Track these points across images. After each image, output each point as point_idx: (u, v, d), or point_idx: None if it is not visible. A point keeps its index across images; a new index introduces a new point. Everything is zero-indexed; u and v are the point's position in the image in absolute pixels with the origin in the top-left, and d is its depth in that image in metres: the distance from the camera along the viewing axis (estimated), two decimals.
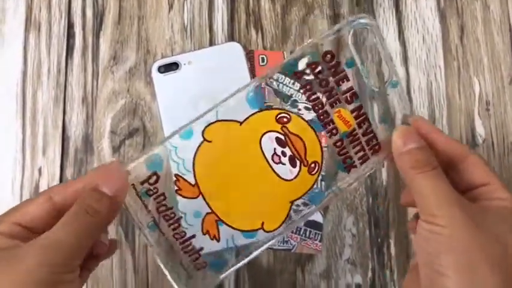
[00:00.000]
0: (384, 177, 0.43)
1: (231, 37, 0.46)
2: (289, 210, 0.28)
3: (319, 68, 0.28)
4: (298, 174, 0.28)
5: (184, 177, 0.26)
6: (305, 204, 0.28)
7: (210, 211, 0.28)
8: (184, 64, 0.44)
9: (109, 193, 0.26)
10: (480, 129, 0.44)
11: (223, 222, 0.28)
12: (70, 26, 0.46)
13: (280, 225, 0.28)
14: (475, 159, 0.28)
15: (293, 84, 0.45)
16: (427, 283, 0.25)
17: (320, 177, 0.30)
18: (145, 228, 0.27)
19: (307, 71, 0.27)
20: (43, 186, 0.44)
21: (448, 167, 0.28)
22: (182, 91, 0.43)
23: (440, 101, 0.45)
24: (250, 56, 0.45)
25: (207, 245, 0.28)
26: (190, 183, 0.26)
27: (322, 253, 0.42)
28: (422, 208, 0.26)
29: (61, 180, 0.44)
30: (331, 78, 0.27)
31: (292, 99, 0.45)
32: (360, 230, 0.43)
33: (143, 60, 0.45)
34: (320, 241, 0.42)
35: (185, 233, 0.28)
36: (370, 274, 0.42)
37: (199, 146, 0.26)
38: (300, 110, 0.44)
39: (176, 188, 0.26)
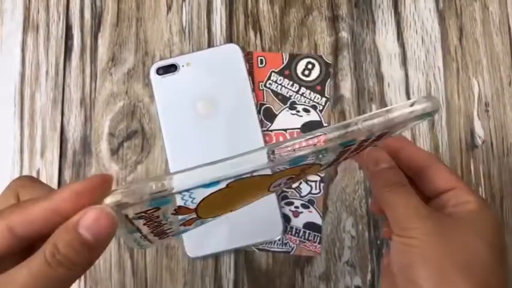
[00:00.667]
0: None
1: (229, 39, 0.45)
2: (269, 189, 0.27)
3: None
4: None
5: (188, 206, 0.23)
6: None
7: (196, 217, 0.26)
8: (183, 66, 0.44)
9: (91, 241, 0.21)
10: (479, 131, 0.44)
11: (202, 220, 0.27)
12: (68, 27, 0.46)
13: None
14: (440, 166, 0.29)
15: (292, 85, 0.45)
16: None
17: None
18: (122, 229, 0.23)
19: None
20: None
21: (416, 175, 0.30)
22: (181, 93, 0.43)
23: (439, 102, 0.44)
24: (248, 58, 0.45)
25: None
26: (190, 209, 0.24)
27: (321, 255, 0.42)
28: (394, 222, 0.27)
29: (59, 182, 0.44)
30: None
31: (290, 100, 0.45)
32: (359, 231, 0.42)
33: (141, 62, 0.45)
34: (319, 243, 0.42)
35: (165, 233, 0.27)
36: (369, 276, 0.42)
37: (218, 190, 0.22)
38: (298, 111, 0.45)
39: (173, 212, 0.23)
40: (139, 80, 0.45)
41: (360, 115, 0.42)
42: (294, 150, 0.21)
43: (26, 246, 0.22)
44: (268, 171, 0.22)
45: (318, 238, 0.42)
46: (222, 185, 0.21)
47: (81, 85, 0.45)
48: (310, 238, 0.42)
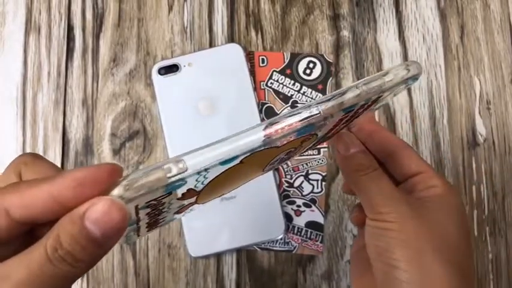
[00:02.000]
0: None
1: (231, 38, 0.45)
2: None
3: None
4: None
5: (196, 189, 0.22)
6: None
7: (193, 202, 0.24)
8: (185, 66, 0.44)
9: (99, 237, 0.18)
10: (481, 129, 0.44)
11: (196, 206, 0.26)
12: (70, 28, 0.46)
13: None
14: (410, 151, 0.30)
15: (293, 85, 0.45)
16: (382, 277, 0.26)
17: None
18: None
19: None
20: None
21: (386, 158, 0.30)
22: (182, 93, 0.43)
23: (440, 100, 0.44)
24: (250, 57, 0.45)
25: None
26: (196, 191, 0.22)
27: (323, 254, 0.42)
28: (369, 207, 0.27)
29: None
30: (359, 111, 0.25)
31: (292, 100, 0.45)
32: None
33: (143, 62, 0.45)
34: (321, 242, 0.42)
35: (157, 223, 0.24)
36: None
37: (231, 167, 0.21)
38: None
39: (180, 196, 0.22)
40: (141, 80, 0.45)
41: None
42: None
43: (27, 230, 0.20)
44: (278, 143, 0.22)
45: (320, 237, 0.42)
46: (237, 161, 0.20)
47: (83, 86, 0.45)
48: (312, 237, 0.42)
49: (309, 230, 0.42)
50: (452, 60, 0.45)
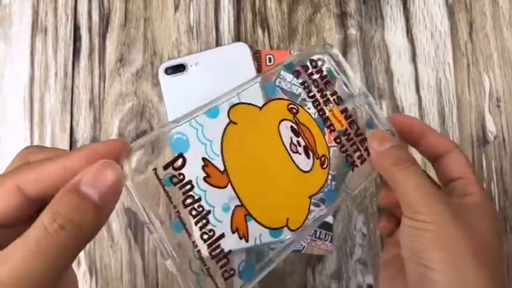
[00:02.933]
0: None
1: (237, 37, 0.45)
2: (309, 205, 0.28)
3: (310, 70, 0.29)
4: (312, 166, 0.28)
5: (213, 162, 0.23)
6: (322, 201, 0.28)
7: (239, 204, 0.24)
8: (191, 65, 0.44)
9: (96, 199, 0.19)
10: (491, 126, 0.43)
11: (252, 217, 0.25)
12: (76, 29, 0.46)
13: (303, 223, 0.27)
14: (457, 155, 0.29)
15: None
16: (415, 277, 0.26)
17: (330, 176, 0.29)
18: (169, 229, 0.22)
19: (301, 72, 0.29)
20: None
21: (433, 161, 0.30)
22: (189, 92, 0.43)
23: (449, 98, 0.44)
24: (257, 56, 0.44)
25: (235, 246, 0.25)
26: (219, 170, 0.23)
27: (332, 253, 0.42)
28: (407, 205, 0.26)
29: None
30: (320, 81, 0.29)
31: (301, 97, 0.45)
32: (371, 229, 0.42)
33: (150, 62, 0.45)
34: (330, 241, 0.42)
35: (214, 233, 0.23)
36: None
37: (226, 127, 0.24)
38: (309, 108, 0.44)
39: (205, 174, 0.23)
40: (148, 80, 0.45)
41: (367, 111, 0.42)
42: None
43: (37, 209, 0.20)
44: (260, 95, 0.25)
45: (329, 236, 0.42)
46: (224, 116, 0.23)
47: (90, 86, 0.45)
48: (321, 237, 0.42)
49: (318, 230, 0.42)
50: (461, 57, 0.45)
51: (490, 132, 0.43)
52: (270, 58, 0.45)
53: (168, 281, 0.42)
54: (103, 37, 0.46)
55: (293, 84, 0.45)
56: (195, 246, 0.23)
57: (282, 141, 0.27)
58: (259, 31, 0.45)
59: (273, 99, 0.27)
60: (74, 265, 0.30)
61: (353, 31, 0.45)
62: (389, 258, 0.30)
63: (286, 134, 0.27)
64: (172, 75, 0.44)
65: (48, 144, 0.44)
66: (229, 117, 0.23)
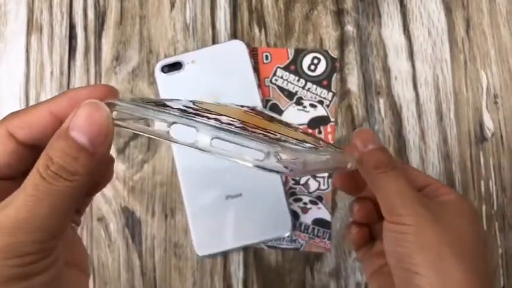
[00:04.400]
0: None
1: (234, 35, 0.45)
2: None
3: None
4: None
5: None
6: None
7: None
8: (188, 63, 0.43)
9: (87, 144, 0.18)
10: (489, 123, 0.43)
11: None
12: (72, 27, 0.46)
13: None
14: (414, 169, 0.30)
15: (298, 81, 0.44)
16: (401, 283, 0.26)
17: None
18: None
19: None
20: None
21: None
22: (186, 90, 0.43)
23: (447, 94, 0.44)
24: (254, 54, 0.44)
25: None
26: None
27: (331, 252, 0.42)
28: (388, 208, 0.26)
29: None
30: None
31: (297, 96, 0.45)
32: None
33: (146, 60, 0.45)
34: (329, 239, 0.42)
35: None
36: None
37: None
38: (305, 107, 0.44)
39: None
40: (144, 78, 0.44)
41: (367, 109, 0.42)
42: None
43: (32, 155, 0.20)
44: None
45: (327, 234, 0.42)
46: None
47: (86, 84, 0.45)
48: (319, 234, 0.42)
49: (316, 228, 0.42)
50: (458, 54, 0.45)
51: (487, 129, 0.43)
52: (266, 56, 0.44)
53: (165, 280, 0.42)
54: (99, 35, 0.45)
55: (289, 82, 0.45)
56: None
57: None
58: (256, 29, 0.45)
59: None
60: None
61: (350, 28, 0.45)
62: (374, 271, 0.30)
63: None
64: (168, 73, 0.43)
65: None
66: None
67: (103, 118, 0.18)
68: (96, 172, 0.19)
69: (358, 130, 0.29)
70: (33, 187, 0.18)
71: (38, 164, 0.18)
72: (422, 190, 0.28)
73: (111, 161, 0.25)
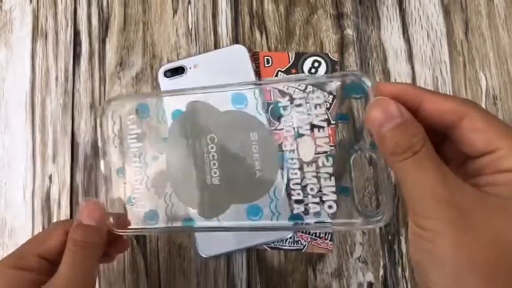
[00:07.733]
0: (392, 175, 0.43)
1: (235, 39, 0.46)
2: None
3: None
4: None
5: None
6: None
7: None
8: (190, 68, 0.44)
9: (95, 225, 0.30)
10: None
11: None
12: (76, 33, 0.46)
13: None
14: (474, 120, 0.21)
15: (299, 85, 0.45)
16: None
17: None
18: None
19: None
20: (54, 194, 0.44)
21: (447, 131, 0.23)
22: None
23: None
24: (255, 58, 0.45)
25: None
26: None
27: (333, 252, 0.42)
28: (408, 204, 0.21)
29: (71, 186, 0.44)
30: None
31: (298, 99, 0.45)
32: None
33: (149, 65, 0.45)
34: (331, 240, 0.42)
35: None
36: (381, 272, 0.42)
37: None
38: (306, 110, 0.45)
39: None
40: (148, 83, 0.45)
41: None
42: None
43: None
44: None
45: (329, 235, 0.42)
46: None
47: (91, 90, 0.45)
48: (321, 235, 0.42)
49: None
50: (457, 56, 0.45)
51: None
52: (268, 59, 0.45)
53: (170, 281, 0.42)
54: (103, 41, 0.46)
55: (290, 85, 0.45)
56: None
57: None
58: (257, 33, 0.46)
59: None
60: None
61: (350, 31, 0.45)
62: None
63: None
64: (171, 78, 0.44)
65: (50, 148, 0.44)
66: None
67: (101, 210, 0.31)
68: (104, 239, 0.31)
69: (375, 100, 0.23)
70: (72, 259, 0.29)
71: (68, 246, 0.30)
72: (481, 158, 0.21)
73: (122, 239, 0.35)
